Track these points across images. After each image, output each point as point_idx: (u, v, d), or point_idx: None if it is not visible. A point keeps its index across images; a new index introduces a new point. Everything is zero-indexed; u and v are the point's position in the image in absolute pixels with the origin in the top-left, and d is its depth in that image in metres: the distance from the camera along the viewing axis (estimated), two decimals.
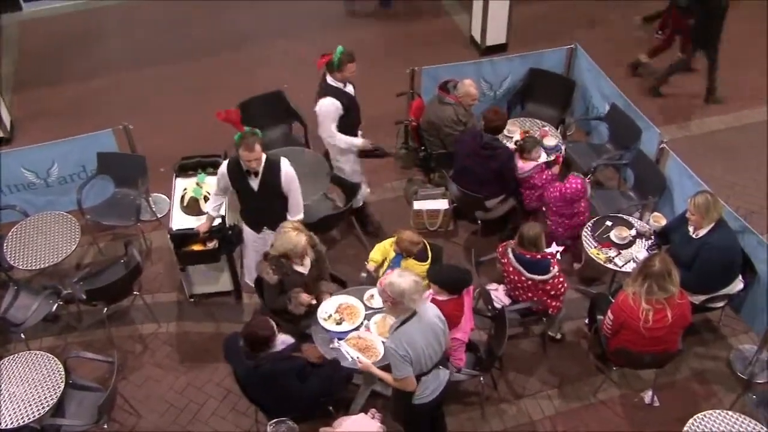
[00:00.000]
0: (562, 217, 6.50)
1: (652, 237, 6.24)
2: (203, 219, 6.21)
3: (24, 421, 5.14)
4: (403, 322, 4.56)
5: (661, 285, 5.13)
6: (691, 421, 5.07)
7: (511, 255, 5.81)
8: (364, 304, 5.67)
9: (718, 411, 5.13)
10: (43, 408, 5.22)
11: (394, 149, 7.80)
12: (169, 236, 6.23)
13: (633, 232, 6.29)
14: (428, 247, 5.97)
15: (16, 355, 5.56)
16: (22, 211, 6.86)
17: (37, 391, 5.31)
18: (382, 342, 5.27)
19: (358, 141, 6.77)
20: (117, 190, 7.14)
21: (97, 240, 7.25)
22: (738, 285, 5.85)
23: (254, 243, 6.20)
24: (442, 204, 7.25)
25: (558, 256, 5.85)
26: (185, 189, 6.47)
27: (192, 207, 6.36)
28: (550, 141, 7.22)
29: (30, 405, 5.22)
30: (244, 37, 10.02)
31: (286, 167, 5.75)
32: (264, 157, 5.67)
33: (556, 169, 6.72)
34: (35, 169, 7.16)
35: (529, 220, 6.65)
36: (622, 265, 6.06)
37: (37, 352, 5.59)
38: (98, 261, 7.07)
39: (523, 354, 6.29)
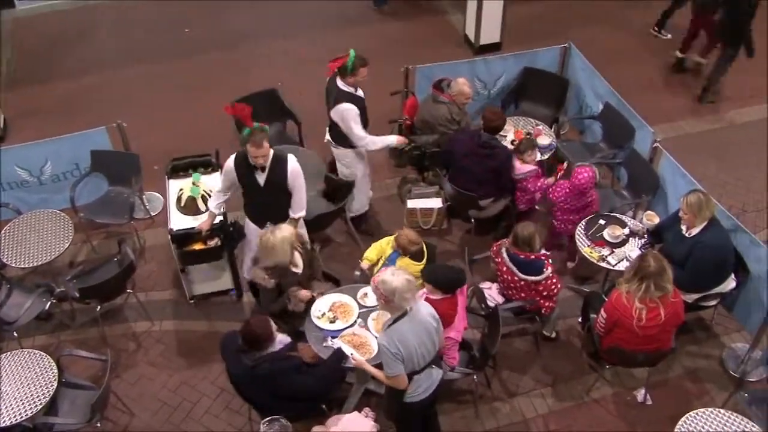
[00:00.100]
0: (572, 213, 6.49)
1: (645, 236, 6.25)
2: (201, 219, 6.18)
3: (16, 420, 5.11)
4: (396, 320, 4.56)
5: (658, 284, 5.15)
6: (683, 419, 5.08)
7: (505, 254, 5.81)
8: (358, 303, 5.66)
9: (710, 409, 5.15)
10: (35, 406, 5.19)
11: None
12: (170, 237, 6.20)
13: (626, 230, 6.30)
14: (426, 248, 5.96)
15: (9, 353, 5.53)
16: (15, 209, 6.83)
17: (30, 389, 5.29)
18: (377, 339, 5.27)
19: (392, 139, 6.73)
20: (110, 188, 7.12)
21: (91, 238, 7.22)
22: (730, 283, 5.87)
23: (256, 238, 6.17)
24: (436, 202, 7.26)
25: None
26: (181, 189, 6.41)
27: (189, 207, 6.32)
28: (544, 140, 7.24)
29: (23, 403, 5.20)
30: (240, 36, 10.00)
31: (293, 164, 5.77)
32: (271, 153, 5.68)
33: (551, 180, 6.74)
34: (28, 167, 7.13)
35: (523, 219, 6.66)
36: (615, 264, 6.07)
37: (30, 350, 5.56)
38: (91, 259, 7.05)
39: (516, 352, 6.30)
